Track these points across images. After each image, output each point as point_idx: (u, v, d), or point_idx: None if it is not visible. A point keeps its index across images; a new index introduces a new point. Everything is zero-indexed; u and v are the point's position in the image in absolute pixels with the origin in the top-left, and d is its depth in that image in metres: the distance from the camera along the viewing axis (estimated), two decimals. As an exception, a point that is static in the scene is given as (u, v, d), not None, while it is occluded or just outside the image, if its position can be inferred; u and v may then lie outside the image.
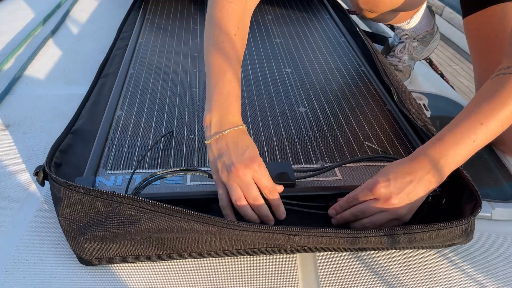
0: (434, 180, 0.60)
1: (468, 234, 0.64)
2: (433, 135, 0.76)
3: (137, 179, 0.70)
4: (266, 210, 0.61)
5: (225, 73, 0.65)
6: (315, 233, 0.58)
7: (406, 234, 0.59)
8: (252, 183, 0.59)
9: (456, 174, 0.63)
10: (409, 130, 0.84)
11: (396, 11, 0.99)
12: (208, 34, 0.69)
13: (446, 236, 0.60)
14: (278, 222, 0.63)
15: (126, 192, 0.65)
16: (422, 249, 0.65)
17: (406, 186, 0.60)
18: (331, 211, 0.65)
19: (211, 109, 0.64)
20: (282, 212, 0.62)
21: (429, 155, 0.61)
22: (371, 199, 0.61)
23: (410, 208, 0.61)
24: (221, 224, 0.56)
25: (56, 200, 0.61)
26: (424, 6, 1.07)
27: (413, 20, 1.08)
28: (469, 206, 0.63)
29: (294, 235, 0.58)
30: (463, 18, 1.03)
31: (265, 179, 0.60)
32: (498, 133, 0.60)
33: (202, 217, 0.56)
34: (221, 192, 0.61)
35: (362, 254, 0.65)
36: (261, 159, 0.62)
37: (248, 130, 0.83)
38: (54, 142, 0.75)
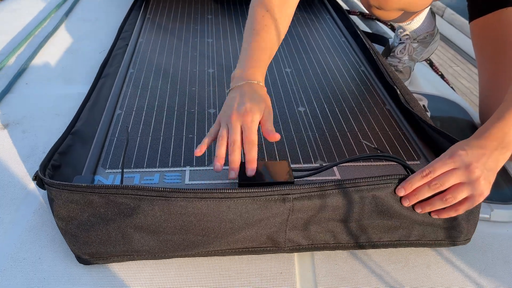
0: (501, 158, 0.60)
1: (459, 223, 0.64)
2: (437, 133, 0.75)
3: (135, 178, 0.70)
4: (238, 157, 0.63)
5: (264, 37, 0.76)
6: (308, 189, 0.59)
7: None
8: (253, 127, 0.65)
9: None
10: (409, 130, 0.84)
11: (403, 10, 0.98)
12: None
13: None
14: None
15: None
16: (421, 246, 0.65)
17: (481, 157, 0.59)
18: (399, 190, 0.61)
19: (242, 66, 0.74)
20: (251, 169, 0.63)
21: (493, 133, 0.61)
22: (451, 169, 0.59)
23: (490, 181, 0.60)
24: (218, 195, 0.57)
25: (51, 202, 0.61)
26: (428, 7, 1.07)
27: (416, 21, 1.07)
28: None
29: (288, 194, 0.58)
30: (470, 21, 1.02)
31: (265, 123, 0.67)
32: None
33: (199, 191, 0.57)
34: (218, 129, 0.67)
35: (359, 252, 0.65)
36: (272, 112, 0.69)
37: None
38: (53, 144, 0.75)
